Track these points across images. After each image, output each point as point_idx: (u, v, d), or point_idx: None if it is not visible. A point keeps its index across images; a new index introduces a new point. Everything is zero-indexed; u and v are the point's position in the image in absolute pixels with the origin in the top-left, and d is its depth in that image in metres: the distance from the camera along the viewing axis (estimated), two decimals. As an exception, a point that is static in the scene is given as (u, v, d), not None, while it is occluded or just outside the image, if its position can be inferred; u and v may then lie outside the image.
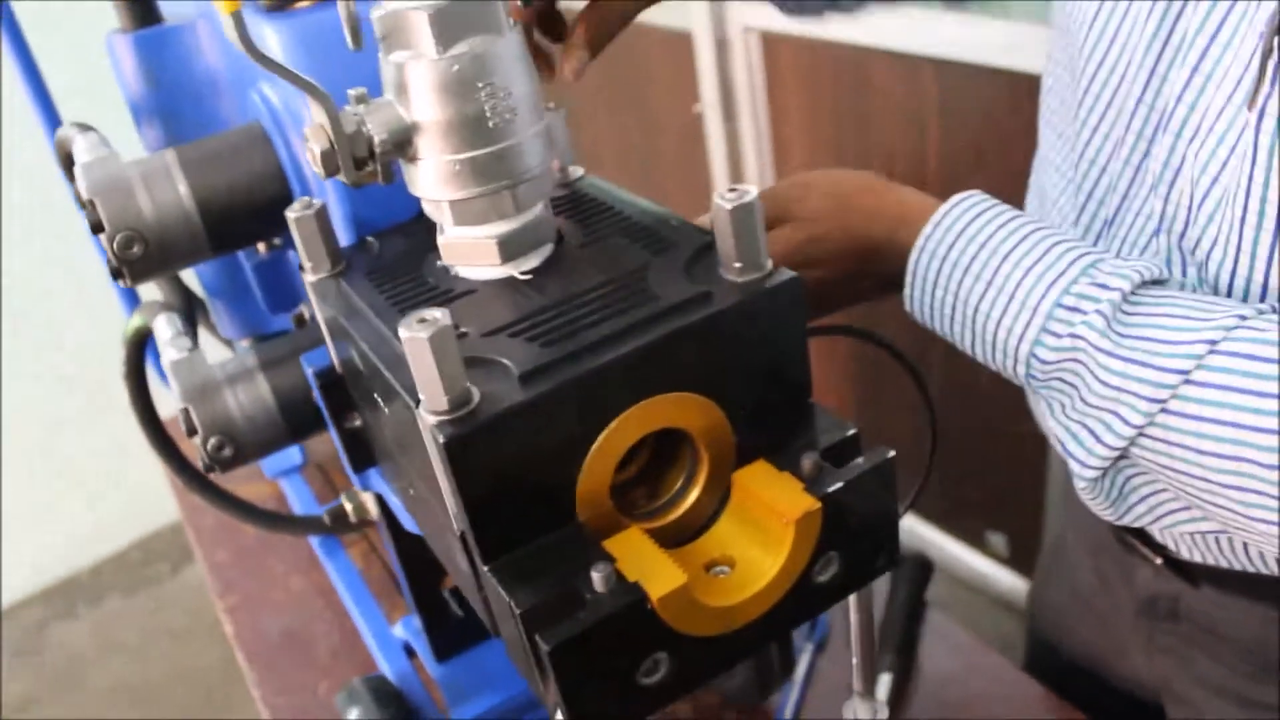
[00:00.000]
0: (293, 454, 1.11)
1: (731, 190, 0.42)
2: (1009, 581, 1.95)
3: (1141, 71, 0.58)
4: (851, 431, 0.44)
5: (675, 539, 0.44)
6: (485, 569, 0.41)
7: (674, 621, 0.39)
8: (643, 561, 0.40)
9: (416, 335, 0.37)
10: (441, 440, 0.38)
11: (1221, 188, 0.52)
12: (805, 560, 0.42)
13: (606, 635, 0.38)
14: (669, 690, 0.41)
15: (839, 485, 0.41)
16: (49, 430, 2.50)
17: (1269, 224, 0.50)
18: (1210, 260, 0.54)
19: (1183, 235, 0.56)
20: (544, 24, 0.65)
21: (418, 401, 0.40)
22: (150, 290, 0.88)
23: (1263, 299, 0.52)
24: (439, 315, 0.37)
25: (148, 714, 2.24)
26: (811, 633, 0.91)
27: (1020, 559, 1.93)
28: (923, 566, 0.95)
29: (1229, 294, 0.54)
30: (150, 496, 2.55)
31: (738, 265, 0.43)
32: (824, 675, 0.88)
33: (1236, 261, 0.52)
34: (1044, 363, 0.54)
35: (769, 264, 0.44)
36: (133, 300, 1.05)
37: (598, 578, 0.39)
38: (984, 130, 1.55)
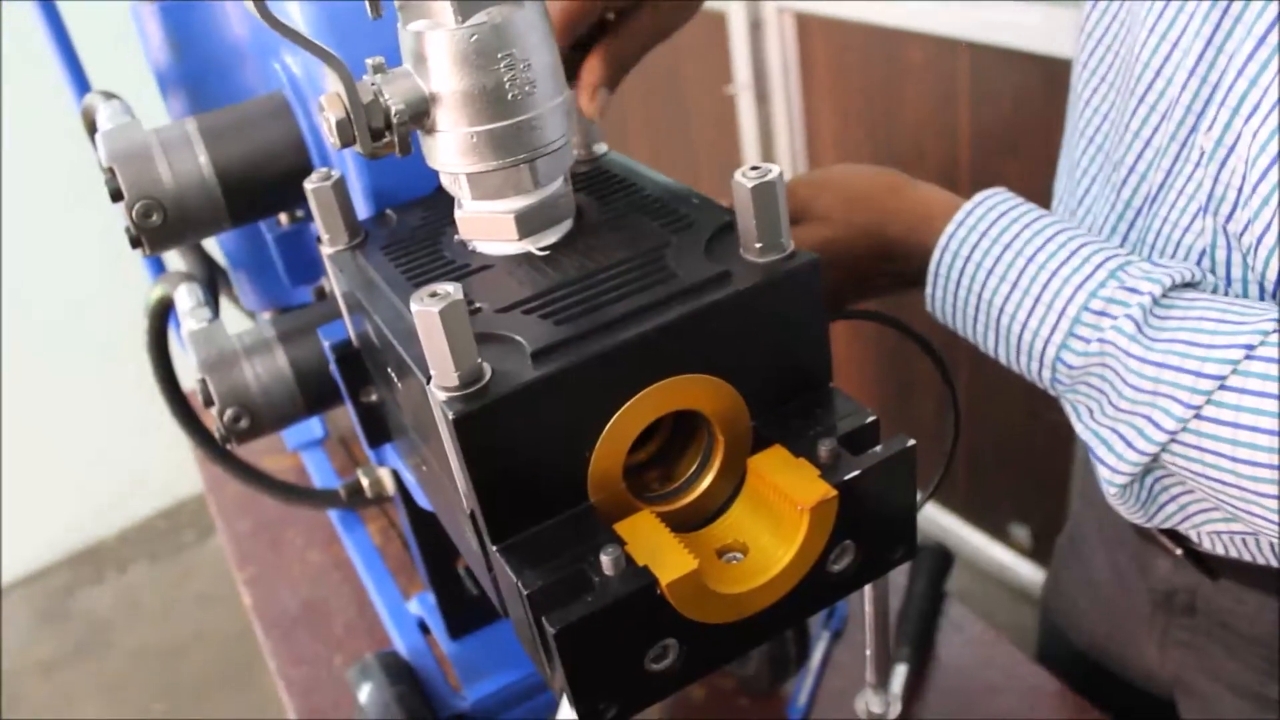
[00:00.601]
0: (314, 426, 1.11)
1: (754, 169, 0.41)
2: (1030, 574, 1.93)
3: (1198, 40, 0.55)
4: (871, 419, 0.43)
5: (688, 524, 0.44)
6: (494, 549, 0.41)
7: (684, 608, 0.39)
8: (654, 546, 0.39)
9: (427, 309, 0.36)
10: (451, 417, 0.37)
11: None
12: (820, 549, 0.41)
13: (614, 620, 0.38)
14: (678, 677, 0.41)
15: (856, 473, 0.41)
16: (78, 398, 2.53)
17: None
18: (1261, 246, 0.51)
19: (1230, 217, 0.53)
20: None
21: (429, 377, 0.39)
22: (175, 261, 0.88)
23: None
24: (451, 289, 0.37)
25: (172, 678, 2.27)
26: (829, 620, 0.90)
27: (1043, 551, 1.91)
28: (943, 557, 0.94)
29: (1277, 284, 0.52)
30: (176, 466, 2.57)
31: (758, 245, 0.42)
32: (841, 664, 0.88)
33: None
34: (1070, 367, 0.53)
35: (790, 245, 0.43)
36: (159, 270, 1.05)
37: (607, 561, 0.38)
38: (1016, 115, 1.53)
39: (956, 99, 1.61)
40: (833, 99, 1.85)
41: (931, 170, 1.69)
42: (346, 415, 1.26)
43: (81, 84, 0.88)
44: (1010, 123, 1.54)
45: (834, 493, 0.40)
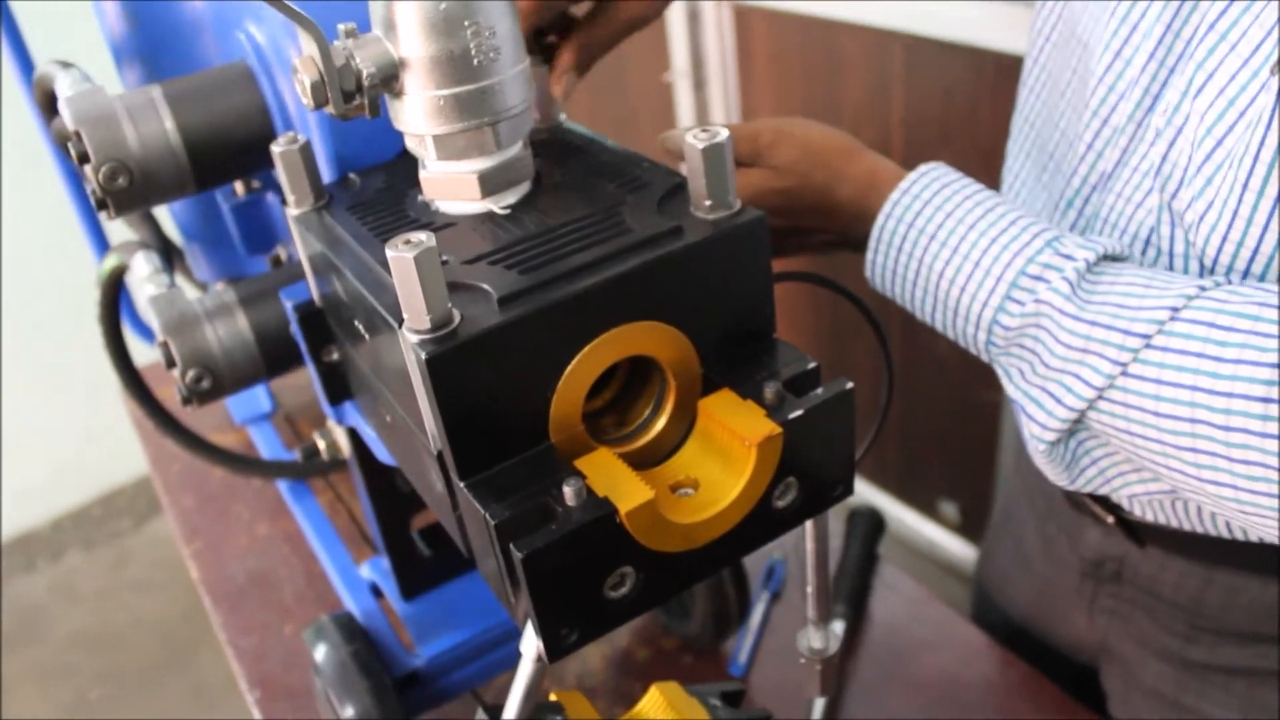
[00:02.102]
0: (263, 400, 1.13)
1: (705, 130, 0.45)
2: (959, 549, 2.00)
3: (1158, 25, 0.58)
4: (812, 365, 0.47)
5: (643, 463, 0.47)
6: (461, 485, 0.43)
7: (641, 536, 0.42)
8: (612, 479, 0.42)
9: (402, 255, 0.39)
10: (424, 357, 0.40)
11: (1225, 150, 0.53)
12: (766, 483, 0.44)
13: (577, 546, 0.41)
14: (632, 605, 0.44)
15: (799, 413, 0.44)
16: (8, 385, 2.49)
17: (1272, 191, 0.50)
18: (1202, 223, 0.54)
19: (1175, 195, 0.57)
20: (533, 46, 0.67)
21: (401, 322, 0.42)
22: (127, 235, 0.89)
23: (1248, 269, 0.53)
24: (424, 237, 0.39)
25: (109, 665, 2.25)
26: (768, 582, 0.94)
27: (971, 527, 1.98)
28: (875, 520, 0.98)
29: (1215, 259, 0.55)
30: (111, 452, 2.55)
31: (707, 203, 0.46)
32: (779, 625, 0.91)
33: (1230, 226, 0.53)
34: (1006, 329, 0.57)
35: (737, 203, 0.46)
36: (102, 247, 1.05)
37: (569, 492, 0.41)
38: (949, 105, 1.58)
39: (891, 89, 1.65)
40: (769, 87, 1.89)
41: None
42: (294, 392, 1.27)
43: (25, 62, 0.87)
44: (942, 112, 1.59)
45: (779, 430, 0.43)
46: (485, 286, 0.43)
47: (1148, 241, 0.60)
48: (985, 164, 1.60)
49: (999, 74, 1.47)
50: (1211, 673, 0.75)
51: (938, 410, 1.84)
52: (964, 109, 1.56)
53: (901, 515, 2.08)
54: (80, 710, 2.17)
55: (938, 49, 1.55)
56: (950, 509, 2.00)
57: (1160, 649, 0.78)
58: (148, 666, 2.23)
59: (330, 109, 0.46)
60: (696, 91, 2.00)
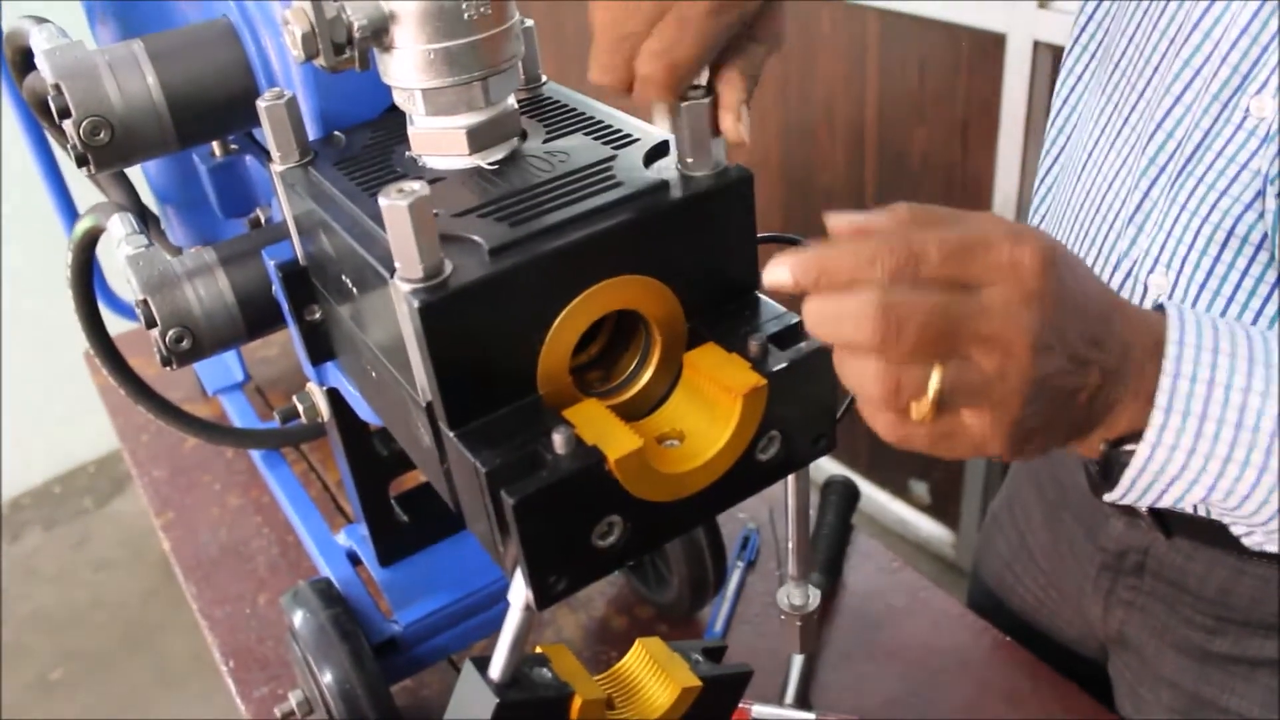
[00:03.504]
0: (234, 370, 1.12)
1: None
2: (929, 528, 2.03)
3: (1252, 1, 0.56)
4: (795, 320, 0.47)
5: (629, 416, 0.47)
6: (451, 435, 0.44)
7: (629, 484, 0.42)
8: (600, 428, 0.43)
9: (396, 203, 0.39)
10: (416, 305, 0.40)
11: None
12: (751, 434, 0.45)
13: (567, 493, 0.41)
14: (620, 554, 0.44)
15: (783, 365, 0.45)
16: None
17: None
18: None
19: None
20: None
21: (392, 273, 0.42)
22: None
23: None
24: (417, 186, 0.40)
25: (70, 644, 2.23)
26: (743, 551, 0.95)
27: (940, 507, 2.00)
28: (849, 491, 0.99)
29: None
30: (72, 432, 2.52)
31: (692, 160, 0.46)
32: (754, 593, 0.92)
33: None
34: None
35: (723, 161, 0.47)
36: (70, 215, 1.04)
37: (559, 440, 0.41)
38: (924, 81, 1.59)
39: (865, 64, 1.66)
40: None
41: (840, 134, 1.74)
42: (264, 365, 1.26)
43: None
44: (917, 87, 1.60)
45: (764, 382, 0.44)
46: (476, 238, 0.43)
47: (1239, 220, 0.57)
48: (962, 139, 1.62)
49: (974, 50, 1.48)
50: (1235, 664, 0.73)
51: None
52: (939, 84, 1.57)
53: (872, 494, 2.10)
54: (41, 689, 2.15)
55: (911, 23, 1.56)
56: (920, 489, 2.02)
57: (1179, 640, 0.76)
58: (109, 646, 2.22)
59: (320, 61, 0.46)
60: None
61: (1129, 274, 0.66)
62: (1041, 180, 0.78)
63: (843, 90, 1.72)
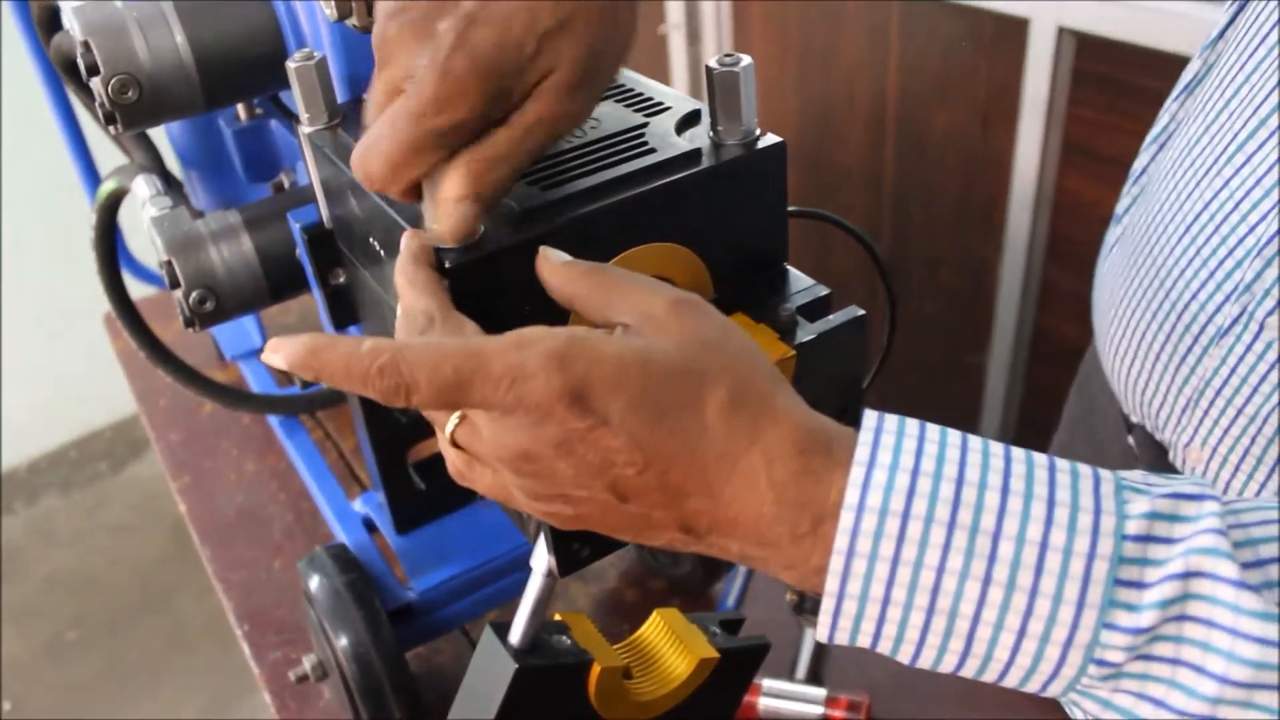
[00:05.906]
0: (253, 336, 1.12)
1: (727, 56, 0.45)
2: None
3: None
4: (825, 292, 0.47)
5: None
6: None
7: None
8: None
9: (429, 163, 0.39)
10: (447, 266, 0.40)
11: None
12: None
13: None
14: None
15: (812, 337, 0.44)
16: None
17: None
18: None
19: None
20: None
21: (423, 234, 0.42)
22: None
23: None
24: (450, 147, 0.39)
25: (85, 605, 2.25)
26: (757, 527, 0.95)
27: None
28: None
29: None
30: (89, 395, 2.53)
31: (722, 129, 0.46)
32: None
33: None
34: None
35: (756, 129, 0.46)
36: (94, 180, 1.04)
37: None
38: (947, 63, 1.58)
39: (888, 45, 1.65)
40: (765, 43, 1.89)
41: (860, 116, 1.73)
42: (284, 331, 1.26)
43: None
44: (940, 70, 1.59)
45: (793, 353, 0.44)
46: (509, 201, 0.43)
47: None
48: (983, 123, 1.61)
49: (997, 33, 1.47)
50: None
51: (922, 370, 1.86)
52: (961, 68, 1.56)
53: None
54: (57, 651, 2.17)
55: (934, 6, 1.55)
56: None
57: None
58: (124, 608, 2.24)
59: (353, 20, 0.45)
60: (690, 45, 1.99)
61: (1243, 312, 0.54)
62: (1144, 169, 0.70)
63: (864, 71, 1.70)
